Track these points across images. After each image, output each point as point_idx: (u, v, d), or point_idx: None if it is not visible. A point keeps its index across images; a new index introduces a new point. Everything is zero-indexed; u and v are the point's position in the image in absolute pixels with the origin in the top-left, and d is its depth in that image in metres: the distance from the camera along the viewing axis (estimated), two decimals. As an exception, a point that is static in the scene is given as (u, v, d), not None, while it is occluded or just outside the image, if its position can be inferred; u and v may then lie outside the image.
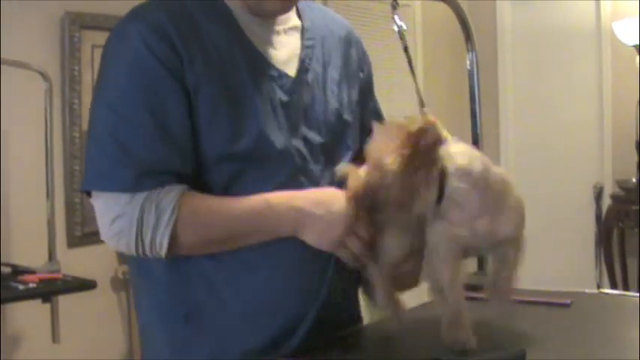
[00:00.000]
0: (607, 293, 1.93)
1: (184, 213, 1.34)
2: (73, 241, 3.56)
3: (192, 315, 1.42)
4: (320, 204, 1.40)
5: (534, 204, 6.14)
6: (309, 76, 1.50)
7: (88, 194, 1.41)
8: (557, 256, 5.71)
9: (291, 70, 1.48)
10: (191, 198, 1.36)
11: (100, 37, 3.56)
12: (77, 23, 3.54)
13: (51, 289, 2.91)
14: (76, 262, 3.42)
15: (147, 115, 1.35)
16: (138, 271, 1.50)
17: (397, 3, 1.72)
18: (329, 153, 1.50)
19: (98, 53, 3.54)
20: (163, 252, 1.34)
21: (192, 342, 1.43)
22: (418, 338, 1.49)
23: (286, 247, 1.42)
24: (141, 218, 1.32)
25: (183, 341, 1.44)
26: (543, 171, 5.82)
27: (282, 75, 1.46)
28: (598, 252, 5.44)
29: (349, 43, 1.63)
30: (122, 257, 3.63)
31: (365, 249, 1.41)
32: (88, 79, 3.58)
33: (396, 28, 1.65)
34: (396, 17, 1.63)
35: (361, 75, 1.65)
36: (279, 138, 1.42)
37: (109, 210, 1.34)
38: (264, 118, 1.41)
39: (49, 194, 3.26)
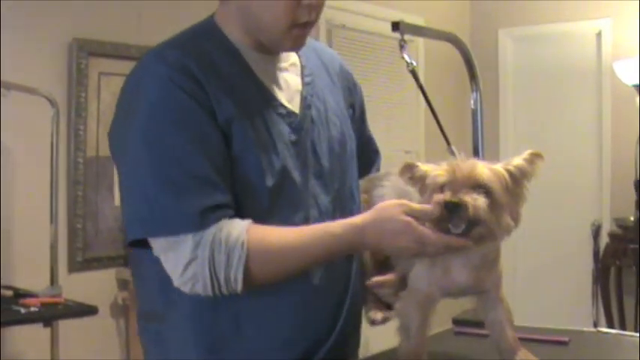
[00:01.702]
0: (605, 332, 1.93)
1: (253, 247, 1.35)
2: (74, 266, 3.57)
3: (215, 348, 1.44)
4: (377, 231, 1.39)
5: (532, 241, 6.22)
6: (313, 112, 1.53)
7: (131, 245, 1.41)
8: (554, 294, 5.71)
9: (295, 107, 1.50)
10: (255, 230, 1.37)
11: (107, 65, 3.61)
12: (85, 50, 3.57)
13: (52, 314, 2.91)
14: (76, 287, 3.42)
15: (193, 148, 1.35)
16: (151, 300, 1.50)
17: (405, 41, 1.74)
18: (335, 185, 1.53)
19: (105, 80, 3.62)
20: (239, 287, 1.35)
21: None
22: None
23: (303, 283, 1.46)
24: (212, 259, 1.33)
25: None
26: (542, 208, 5.81)
27: (290, 113, 1.49)
28: (595, 290, 5.44)
29: (342, 75, 1.67)
30: (124, 284, 3.64)
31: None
32: (94, 105, 3.62)
33: (407, 67, 1.67)
34: (405, 56, 1.66)
35: (355, 105, 1.69)
36: (297, 175, 1.45)
37: (180, 257, 1.34)
38: (283, 156, 1.44)
39: (53, 219, 3.27)
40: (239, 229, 1.35)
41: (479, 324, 2.02)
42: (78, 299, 3.15)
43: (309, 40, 1.58)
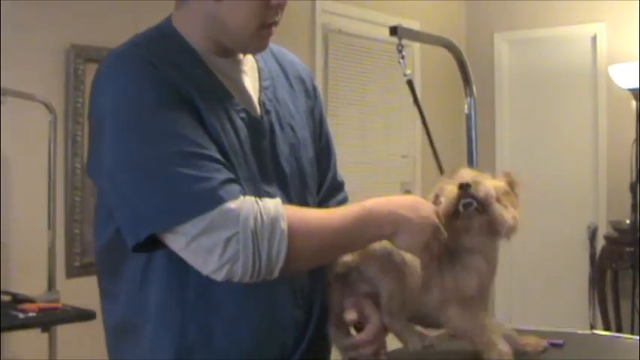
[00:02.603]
0: (600, 334, 1.94)
1: (295, 221, 1.32)
2: (72, 272, 3.57)
3: (185, 355, 1.42)
4: (411, 208, 1.42)
5: (529, 244, 6.23)
6: (272, 117, 1.51)
7: (141, 246, 1.33)
8: (551, 297, 5.73)
9: (255, 112, 1.49)
10: (293, 208, 1.37)
11: (105, 71, 3.62)
12: (82, 56, 3.59)
13: (50, 319, 2.92)
14: (74, 292, 3.42)
15: (189, 130, 1.32)
16: (121, 313, 1.46)
17: (402, 46, 1.74)
18: (296, 190, 1.53)
19: (102, 86, 3.62)
20: (280, 264, 1.31)
21: None
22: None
23: (284, 303, 1.46)
24: (255, 231, 1.28)
25: None
26: (538, 211, 5.84)
27: (251, 117, 1.47)
28: (592, 293, 5.46)
29: (300, 77, 1.66)
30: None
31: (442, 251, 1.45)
32: (92, 111, 3.62)
33: (406, 76, 1.68)
34: (401, 64, 1.66)
35: (314, 109, 1.67)
36: (250, 188, 1.41)
37: (219, 236, 1.27)
38: (255, 171, 1.44)
39: (51, 224, 3.28)
40: (273, 202, 1.33)
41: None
42: (76, 304, 3.16)
43: (270, 44, 1.55)
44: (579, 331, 1.97)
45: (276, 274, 1.32)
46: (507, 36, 6.01)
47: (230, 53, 1.47)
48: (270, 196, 1.41)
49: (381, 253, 1.47)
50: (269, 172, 1.47)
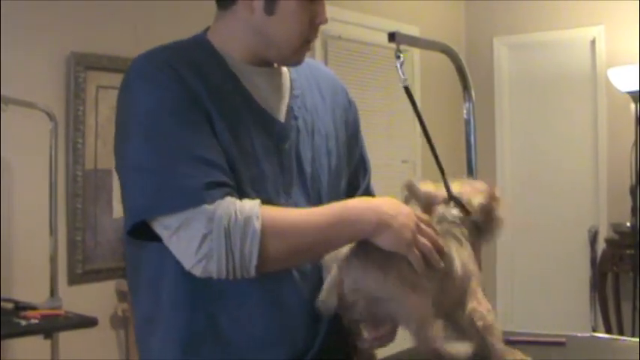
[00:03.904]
0: (599, 336, 1.95)
1: (268, 221, 1.34)
2: (74, 279, 3.59)
3: (192, 348, 1.45)
4: (392, 207, 1.42)
5: (530, 247, 6.22)
6: (299, 123, 1.56)
7: (133, 234, 1.40)
8: (552, 300, 5.73)
9: (282, 117, 1.54)
10: (269, 208, 1.38)
11: (105, 78, 3.64)
12: (82, 64, 3.60)
13: (53, 326, 2.93)
14: (76, 299, 3.44)
15: (191, 133, 1.38)
16: (144, 307, 1.52)
17: (401, 52, 1.76)
18: (317, 194, 1.56)
19: (103, 94, 3.65)
20: (254, 263, 1.33)
21: None
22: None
23: (291, 289, 1.47)
24: (228, 231, 1.31)
25: None
26: (539, 215, 5.84)
27: (275, 122, 1.52)
28: (593, 295, 5.46)
29: (335, 92, 1.71)
30: (124, 295, 3.66)
31: (434, 252, 1.44)
32: (92, 119, 3.64)
33: (403, 82, 1.69)
34: (399, 70, 1.67)
35: (349, 123, 1.71)
36: (278, 186, 1.48)
37: (195, 233, 1.32)
38: (268, 172, 1.47)
39: (53, 231, 3.29)
40: (251, 203, 1.35)
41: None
42: (78, 311, 3.18)
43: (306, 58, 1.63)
44: (579, 334, 1.98)
45: (252, 272, 1.35)
46: (506, 40, 6.02)
47: (265, 64, 1.54)
48: (292, 197, 1.49)
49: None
50: (292, 175, 1.52)
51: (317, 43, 4.79)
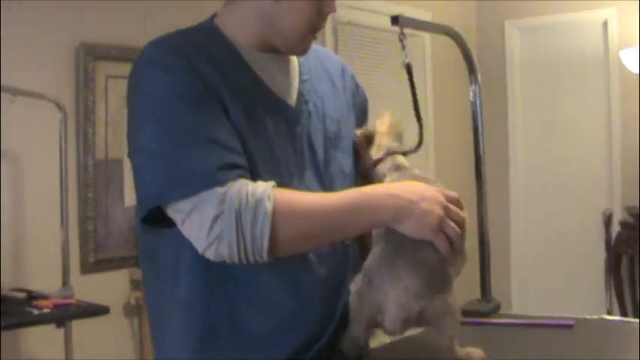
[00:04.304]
0: (608, 319, 1.95)
1: (280, 203, 1.33)
2: (87, 268, 3.61)
3: (208, 338, 1.44)
4: (414, 192, 1.39)
5: (544, 230, 6.21)
6: (310, 107, 1.57)
7: (146, 221, 1.39)
8: (567, 283, 5.72)
9: (292, 102, 1.55)
10: (283, 191, 1.36)
11: (114, 68, 3.65)
12: (91, 54, 3.61)
13: (64, 315, 2.95)
14: (89, 289, 3.46)
15: (204, 116, 1.37)
16: (160, 295, 1.51)
17: (404, 35, 1.76)
18: (329, 177, 1.56)
19: (112, 83, 3.66)
20: (265, 245, 1.31)
21: None
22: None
23: (307, 273, 1.46)
24: (239, 212, 1.30)
25: None
26: (553, 198, 5.83)
27: (287, 106, 1.53)
28: (608, 279, 5.44)
29: (343, 77, 1.71)
30: (137, 284, 3.68)
31: (461, 237, 1.40)
32: (102, 108, 3.65)
33: (405, 61, 1.69)
34: (404, 52, 1.68)
35: (354, 106, 1.72)
36: (292, 168, 1.48)
37: (205, 216, 1.31)
38: (280, 157, 1.47)
39: (64, 221, 3.31)
40: (264, 185, 1.34)
41: (483, 314, 2.06)
42: (91, 300, 3.20)
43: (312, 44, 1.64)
44: (588, 316, 1.96)
45: (264, 256, 1.33)
46: (518, 23, 5.99)
47: (273, 50, 1.53)
48: (305, 181, 1.48)
49: None
50: (305, 158, 1.52)
51: (327, 29, 4.78)
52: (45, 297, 3.03)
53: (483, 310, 2.10)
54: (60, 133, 3.32)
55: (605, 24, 5.57)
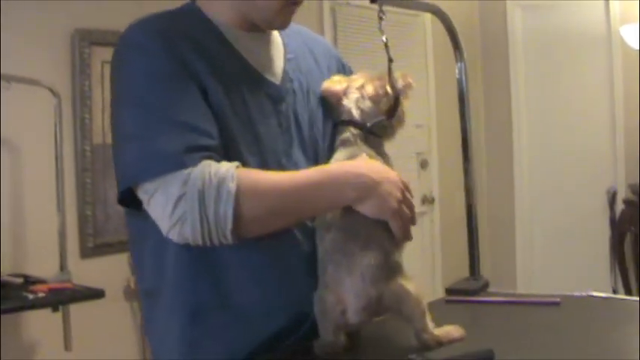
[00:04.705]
0: (596, 295, 1.94)
1: (244, 182, 1.33)
2: (86, 252, 3.63)
3: (197, 317, 1.45)
4: (378, 172, 1.42)
5: (549, 210, 6.20)
6: (295, 85, 1.58)
7: (123, 203, 1.42)
8: (571, 261, 5.71)
9: (277, 81, 1.56)
10: (247, 170, 1.37)
11: (110, 54, 3.58)
12: (87, 40, 3.62)
13: (59, 299, 2.96)
14: (88, 273, 3.48)
15: (177, 99, 1.38)
16: (149, 277, 1.52)
17: (384, 13, 1.79)
18: (314, 155, 1.57)
19: (108, 69, 3.62)
20: (228, 226, 1.32)
21: (199, 342, 1.46)
22: (391, 339, 1.53)
23: (293, 249, 1.48)
24: (202, 193, 1.31)
25: (191, 341, 1.46)
26: (557, 176, 5.81)
27: (271, 85, 1.54)
28: (613, 257, 5.43)
29: (328, 56, 1.73)
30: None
31: (412, 215, 1.43)
32: (98, 94, 3.66)
33: (383, 39, 1.70)
34: (381, 27, 1.69)
35: None
36: (278, 147, 1.49)
37: (169, 197, 1.32)
38: (264, 134, 1.48)
39: (60, 206, 3.33)
40: (228, 165, 1.35)
41: (471, 292, 2.06)
42: (91, 284, 3.22)
43: (296, 25, 1.65)
44: (576, 293, 1.96)
45: (229, 236, 1.34)
46: (520, 2, 5.95)
47: (256, 28, 1.54)
48: (292, 158, 1.50)
49: None
50: (292, 135, 1.53)
51: (325, 10, 4.77)
52: (42, 282, 3.05)
53: (471, 288, 2.09)
54: (54, 119, 3.32)
55: (606, 2, 5.53)
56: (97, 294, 2.94)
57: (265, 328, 1.46)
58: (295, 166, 1.51)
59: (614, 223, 5.43)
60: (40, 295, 2.87)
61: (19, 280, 3.04)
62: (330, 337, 1.42)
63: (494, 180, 6.08)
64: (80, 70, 3.60)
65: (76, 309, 3.31)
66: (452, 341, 1.47)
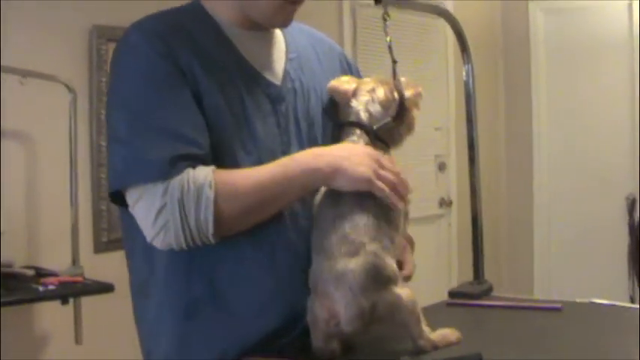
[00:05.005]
0: (598, 303, 1.93)
1: (221, 187, 1.36)
2: (100, 247, 3.65)
3: (190, 314, 1.46)
4: (343, 149, 1.46)
5: (567, 215, 6.13)
6: (296, 85, 1.58)
7: (115, 201, 1.44)
8: (590, 269, 5.64)
9: (278, 80, 1.56)
10: (221, 173, 1.39)
11: (127, 50, 3.66)
12: (104, 36, 3.63)
13: (68, 292, 2.98)
14: (102, 267, 3.49)
15: (168, 106, 1.40)
16: (140, 272, 1.53)
17: (388, 15, 1.78)
18: None
19: (125, 65, 3.66)
20: (210, 230, 1.36)
21: (191, 339, 1.46)
22: (385, 342, 1.53)
23: (287, 248, 1.48)
24: (181, 201, 1.34)
25: (182, 338, 1.47)
26: (576, 181, 5.76)
27: (271, 84, 1.54)
28: (630, 263, 5.37)
29: (332, 55, 1.73)
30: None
31: (398, 180, 1.45)
32: (115, 90, 3.67)
33: (387, 39, 1.69)
34: (385, 30, 1.70)
35: None
36: (275, 146, 1.50)
37: (151, 206, 1.35)
38: (262, 134, 1.49)
39: (73, 201, 3.35)
40: (205, 170, 1.37)
41: (473, 296, 2.06)
42: (104, 279, 3.22)
43: (300, 24, 1.66)
44: (578, 299, 1.96)
45: (211, 239, 1.37)
46: (542, 5, 5.90)
47: (258, 27, 1.55)
48: (290, 154, 1.49)
49: None
50: (290, 136, 1.54)
51: (345, 11, 4.76)
52: (54, 275, 3.08)
53: (474, 292, 2.09)
54: (70, 114, 3.35)
55: (630, 5, 5.47)
56: (106, 288, 2.96)
57: (259, 326, 1.46)
58: None
59: (632, 229, 5.38)
60: (50, 287, 2.89)
61: (31, 273, 3.06)
62: (320, 345, 1.43)
63: (513, 184, 6.04)
64: (97, 66, 3.62)
65: (87, 303, 3.33)
66: (448, 345, 1.47)
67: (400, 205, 1.45)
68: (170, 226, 1.35)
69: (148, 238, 1.39)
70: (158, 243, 1.38)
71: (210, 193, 1.35)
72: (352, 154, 1.43)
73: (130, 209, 1.41)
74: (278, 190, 1.42)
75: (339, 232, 1.41)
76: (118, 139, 1.41)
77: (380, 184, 1.42)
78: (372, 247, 1.40)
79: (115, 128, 1.43)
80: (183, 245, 1.37)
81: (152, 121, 1.39)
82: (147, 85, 1.42)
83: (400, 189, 1.45)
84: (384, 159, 1.47)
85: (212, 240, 1.38)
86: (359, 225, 1.41)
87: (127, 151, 1.39)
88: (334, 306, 1.38)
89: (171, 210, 1.34)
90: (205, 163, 1.40)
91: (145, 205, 1.37)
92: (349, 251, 1.39)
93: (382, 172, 1.44)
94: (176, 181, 1.35)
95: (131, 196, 1.40)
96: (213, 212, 1.35)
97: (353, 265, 1.37)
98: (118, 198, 1.44)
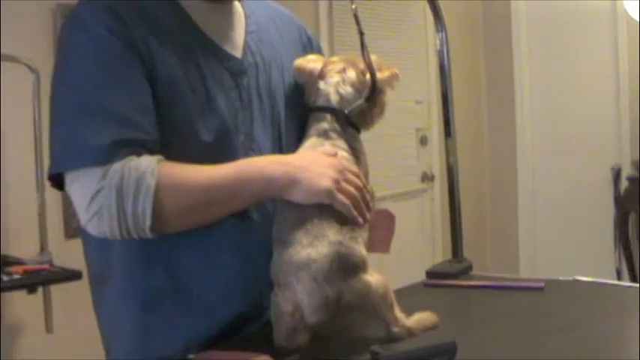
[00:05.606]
0: (581, 280, 1.89)
1: (165, 178, 1.30)
2: (70, 233, 3.56)
3: (151, 306, 1.42)
4: (304, 158, 1.40)
5: (552, 186, 6.16)
6: (257, 58, 1.54)
7: (58, 186, 1.39)
8: (576, 242, 5.66)
9: (238, 54, 1.51)
10: (168, 165, 1.33)
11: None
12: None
13: (35, 280, 2.91)
14: (74, 254, 3.38)
15: (113, 87, 1.34)
16: (97, 262, 1.49)
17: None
18: (277, 131, 1.54)
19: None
20: (147, 222, 1.30)
21: (153, 329, 1.43)
22: (356, 331, 1.48)
23: (248, 233, 1.43)
24: (120, 187, 1.28)
25: (144, 328, 1.43)
26: (560, 154, 5.75)
27: (231, 58, 1.49)
28: (617, 235, 5.34)
29: (292, 29, 1.69)
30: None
31: (360, 195, 1.39)
32: (81, 70, 3.59)
33: (353, 7, 1.61)
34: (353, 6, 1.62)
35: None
36: (238, 122, 1.45)
37: (87, 189, 1.29)
38: (224, 109, 1.43)
39: (39, 186, 3.27)
40: (149, 159, 1.32)
41: (452, 275, 2.00)
42: (75, 265, 3.14)
43: None
44: (561, 277, 1.92)
45: (148, 233, 1.31)
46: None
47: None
48: (251, 133, 1.46)
49: None
50: (253, 109, 1.49)
51: (321, 4, 4.68)
52: (20, 263, 3.00)
53: (452, 272, 2.04)
54: (33, 96, 3.26)
55: (611, -26, 5.43)
56: (74, 275, 2.89)
57: (223, 314, 1.42)
58: (257, 145, 1.47)
59: (618, 201, 5.34)
60: (15, 276, 2.82)
61: (-3, 261, 2.99)
62: (282, 343, 1.36)
63: (496, 159, 6.05)
64: (61, 46, 3.53)
65: (57, 291, 3.25)
66: (425, 329, 1.43)
67: (361, 220, 1.38)
68: (104, 212, 1.29)
69: (82, 222, 1.33)
70: (91, 229, 1.32)
71: (151, 182, 1.28)
72: (313, 164, 1.37)
73: (67, 189, 1.35)
74: (228, 192, 1.35)
75: (302, 224, 1.35)
76: (60, 121, 1.36)
77: (341, 197, 1.36)
78: (337, 237, 1.34)
79: (58, 110, 1.37)
80: (118, 236, 1.31)
81: (97, 103, 1.33)
82: (94, 64, 1.35)
83: (361, 205, 1.39)
84: (349, 171, 1.40)
85: (149, 234, 1.31)
86: (323, 215, 1.35)
87: (67, 133, 1.33)
88: (297, 297, 1.31)
89: (107, 195, 1.28)
90: (152, 148, 1.34)
91: (81, 188, 1.31)
92: (312, 242, 1.32)
93: (344, 186, 1.37)
94: (117, 166, 1.29)
95: (68, 179, 1.33)
96: (152, 203, 1.28)
97: (315, 254, 1.31)
98: (60, 183, 1.38)
